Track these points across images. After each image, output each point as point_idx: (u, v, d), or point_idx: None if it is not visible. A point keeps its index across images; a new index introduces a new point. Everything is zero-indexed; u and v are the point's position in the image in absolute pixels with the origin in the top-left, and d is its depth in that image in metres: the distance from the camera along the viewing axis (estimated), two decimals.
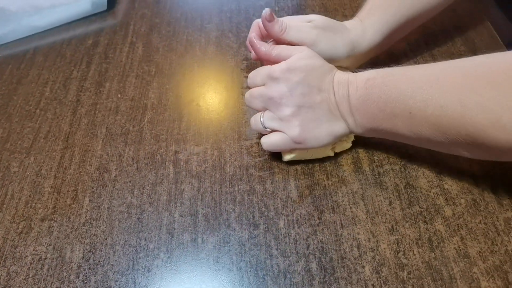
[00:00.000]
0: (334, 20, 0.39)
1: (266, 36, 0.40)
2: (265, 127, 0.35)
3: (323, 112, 0.34)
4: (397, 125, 0.32)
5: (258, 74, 0.36)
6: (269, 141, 0.36)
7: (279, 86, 0.34)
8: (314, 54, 0.36)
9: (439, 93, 0.28)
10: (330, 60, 0.37)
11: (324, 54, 0.36)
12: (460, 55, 0.46)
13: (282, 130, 0.35)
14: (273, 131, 0.36)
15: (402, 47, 0.47)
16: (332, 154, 0.38)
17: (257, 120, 0.36)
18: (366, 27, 0.39)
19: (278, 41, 0.37)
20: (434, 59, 0.46)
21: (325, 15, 0.52)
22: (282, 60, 0.35)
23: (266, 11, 0.36)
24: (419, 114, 0.30)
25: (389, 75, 0.32)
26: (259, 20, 0.39)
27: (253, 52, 0.40)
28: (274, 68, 0.34)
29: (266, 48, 0.36)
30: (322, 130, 0.34)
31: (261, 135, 0.37)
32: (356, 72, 0.35)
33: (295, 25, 0.37)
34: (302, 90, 0.34)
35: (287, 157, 0.37)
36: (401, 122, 0.31)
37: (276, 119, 0.35)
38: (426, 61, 0.46)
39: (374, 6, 0.40)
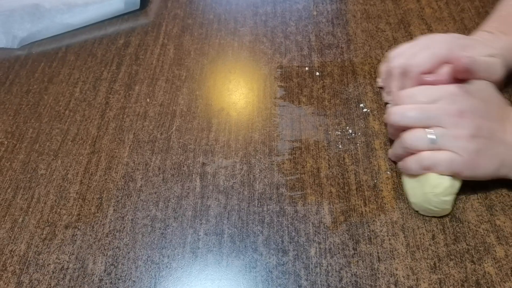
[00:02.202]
0: (495, 45, 0.35)
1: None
2: (435, 143, 0.30)
3: (499, 143, 0.31)
4: None
5: (425, 91, 0.32)
6: (435, 159, 0.30)
7: (460, 103, 0.31)
8: (492, 85, 0.33)
9: None
10: None
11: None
12: None
13: (455, 150, 0.30)
14: (437, 150, 0.31)
15: None
16: (449, 210, 0.33)
17: (421, 136, 0.31)
18: None
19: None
20: None
21: (368, 22, 0.49)
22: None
23: (465, 60, 0.31)
24: None
25: None
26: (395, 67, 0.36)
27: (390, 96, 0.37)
28: (454, 87, 0.32)
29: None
30: (493, 162, 0.31)
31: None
32: None
33: (485, 63, 0.33)
34: (483, 114, 0.31)
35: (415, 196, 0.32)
36: None
37: (450, 136, 0.30)
38: None
39: None
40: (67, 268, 0.33)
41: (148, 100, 0.44)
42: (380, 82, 0.42)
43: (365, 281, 0.30)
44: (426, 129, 0.31)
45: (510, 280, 0.30)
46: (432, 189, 0.31)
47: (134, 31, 0.51)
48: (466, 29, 0.46)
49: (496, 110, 0.32)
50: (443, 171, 0.31)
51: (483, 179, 0.32)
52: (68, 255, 0.34)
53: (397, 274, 0.31)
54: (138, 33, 0.51)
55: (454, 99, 0.31)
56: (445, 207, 0.32)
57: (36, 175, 0.40)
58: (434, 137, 0.31)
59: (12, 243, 0.35)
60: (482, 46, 0.35)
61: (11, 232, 0.36)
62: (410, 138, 0.32)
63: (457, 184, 0.32)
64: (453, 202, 0.33)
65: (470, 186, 0.34)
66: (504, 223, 0.32)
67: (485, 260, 0.31)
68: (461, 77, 0.33)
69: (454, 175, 0.31)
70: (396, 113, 0.32)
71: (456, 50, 0.34)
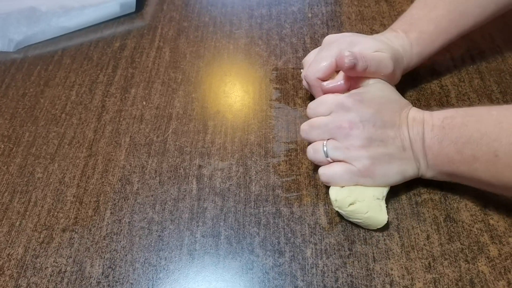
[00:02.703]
0: (393, 43, 0.36)
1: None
2: (327, 157, 0.32)
3: (396, 148, 0.31)
4: (477, 169, 0.29)
5: (323, 103, 0.33)
6: (330, 172, 0.32)
7: (350, 115, 0.31)
8: (390, 87, 0.33)
9: None
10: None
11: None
12: (511, 73, 0.42)
13: (349, 161, 0.31)
14: (334, 163, 0.32)
15: (445, 62, 0.43)
16: (385, 222, 0.32)
17: (318, 149, 0.32)
18: (414, 47, 0.36)
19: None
20: (481, 76, 0.42)
21: (362, 23, 0.49)
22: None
23: (347, 59, 0.30)
24: (506, 157, 0.27)
25: (469, 115, 0.29)
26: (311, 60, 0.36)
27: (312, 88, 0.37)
28: (345, 97, 0.32)
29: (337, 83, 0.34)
30: (392, 167, 0.31)
31: (316, 166, 0.34)
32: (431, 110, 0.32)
33: (374, 58, 0.33)
34: (375, 122, 0.31)
35: (338, 204, 0.32)
36: (483, 166, 0.28)
37: (342, 148, 0.31)
38: (471, 78, 0.42)
39: (419, 18, 0.37)
40: (65, 271, 0.33)
41: (144, 103, 0.44)
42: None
43: (361, 281, 0.31)
44: (324, 142, 0.32)
45: (503, 278, 0.30)
46: (334, 203, 0.32)
47: (130, 34, 0.52)
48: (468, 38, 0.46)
49: (390, 116, 0.32)
50: (341, 183, 0.32)
51: (392, 183, 0.32)
52: (66, 258, 0.34)
53: (392, 274, 0.31)
54: (134, 36, 0.51)
55: (346, 110, 0.32)
56: (359, 217, 0.32)
57: (33, 178, 0.40)
58: (326, 149, 0.32)
59: (9, 246, 0.35)
60: (371, 42, 0.35)
61: (9, 236, 0.36)
62: (310, 151, 0.33)
63: (362, 192, 0.31)
64: (377, 208, 0.31)
65: (463, 186, 0.34)
66: (497, 222, 0.33)
67: (479, 259, 0.31)
68: (353, 75, 0.33)
69: (356, 185, 0.32)
70: (302, 129, 0.34)
71: (345, 48, 0.34)
